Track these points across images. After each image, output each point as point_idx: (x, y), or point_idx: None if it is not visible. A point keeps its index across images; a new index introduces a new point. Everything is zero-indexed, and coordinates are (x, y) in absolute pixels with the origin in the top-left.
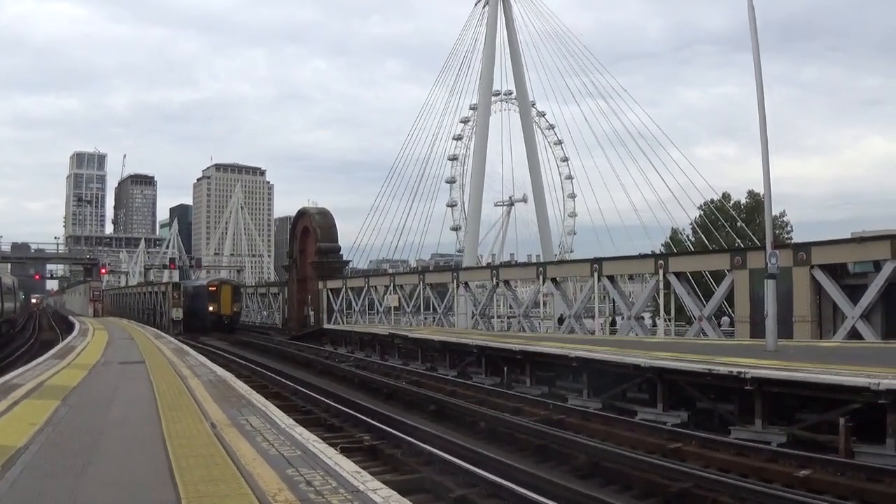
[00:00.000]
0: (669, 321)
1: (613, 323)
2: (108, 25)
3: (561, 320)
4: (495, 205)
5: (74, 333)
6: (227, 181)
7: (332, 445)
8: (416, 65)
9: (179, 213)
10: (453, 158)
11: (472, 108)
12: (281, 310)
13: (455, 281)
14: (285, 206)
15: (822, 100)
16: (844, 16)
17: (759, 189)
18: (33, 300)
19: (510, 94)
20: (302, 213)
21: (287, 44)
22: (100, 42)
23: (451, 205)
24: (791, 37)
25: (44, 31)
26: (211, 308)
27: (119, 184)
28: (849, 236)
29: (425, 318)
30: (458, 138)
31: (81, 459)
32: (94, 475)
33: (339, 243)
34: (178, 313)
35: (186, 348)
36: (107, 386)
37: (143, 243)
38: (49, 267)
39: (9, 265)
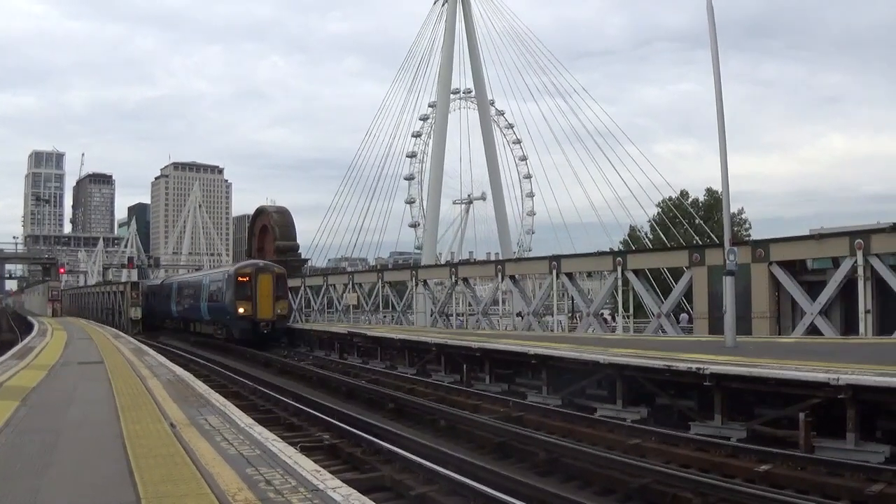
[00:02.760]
0: (628, 318)
1: (573, 319)
2: (64, 21)
3: (519, 318)
4: (454, 202)
5: (33, 334)
6: (185, 180)
7: (292, 444)
8: (375, 62)
9: (138, 211)
10: (412, 155)
11: (431, 105)
12: None
13: (414, 279)
14: (244, 204)
15: (782, 97)
16: (805, 14)
17: (718, 186)
18: None
19: (469, 92)
20: (260, 212)
21: (245, 40)
22: (56, 39)
23: (410, 201)
24: (752, 35)
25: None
26: (241, 310)
27: (77, 183)
28: (808, 233)
29: (384, 317)
30: (417, 135)
31: (41, 461)
32: (54, 476)
33: (298, 241)
34: (136, 313)
35: (145, 348)
36: (66, 386)
37: (101, 242)
38: (8, 267)
39: None
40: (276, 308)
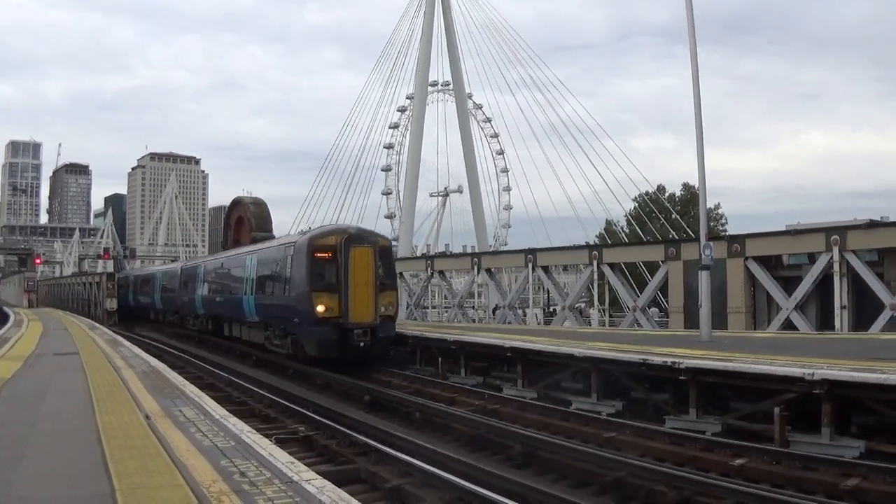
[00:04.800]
0: (604, 312)
1: (547, 313)
2: (42, 11)
3: (496, 311)
4: (430, 195)
5: (9, 325)
6: (161, 170)
7: (267, 436)
8: (353, 53)
9: (114, 202)
10: (389, 147)
11: (409, 97)
12: None
13: None
14: (220, 195)
15: (761, 93)
16: (785, 11)
17: (695, 181)
18: None
19: (447, 85)
20: (236, 203)
21: (223, 31)
22: (34, 28)
23: (387, 193)
24: (732, 30)
25: None
26: (320, 307)
27: (54, 173)
28: (784, 229)
29: None
30: (395, 127)
31: (15, 452)
32: (28, 468)
33: (274, 233)
34: (112, 304)
35: (120, 339)
36: (41, 377)
37: (77, 233)
38: None
39: None
40: (380, 304)
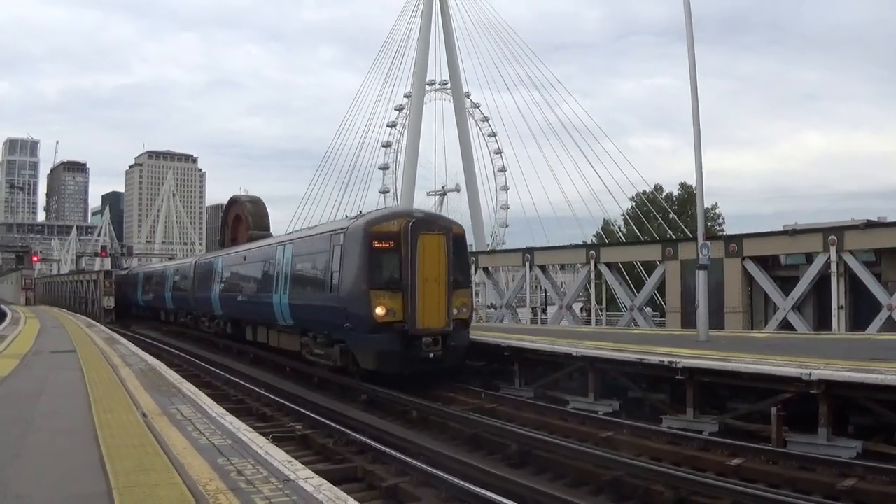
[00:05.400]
0: (601, 311)
1: (545, 312)
2: (40, 8)
3: (493, 309)
4: (428, 194)
5: (6, 322)
6: (159, 168)
7: (264, 434)
8: (350, 51)
9: (111, 200)
10: (387, 145)
11: (407, 96)
12: None
13: None
14: (218, 193)
15: (759, 93)
16: (783, 10)
17: (692, 181)
18: None
19: (445, 83)
20: (234, 201)
21: (220, 28)
22: (31, 25)
23: (384, 191)
24: (729, 30)
25: None
26: (380, 310)
27: (51, 170)
28: (781, 229)
29: None
30: (392, 125)
31: (11, 450)
32: (25, 466)
33: (272, 231)
34: (109, 302)
35: (118, 337)
36: (38, 375)
37: (74, 231)
38: None
39: None
40: (453, 306)
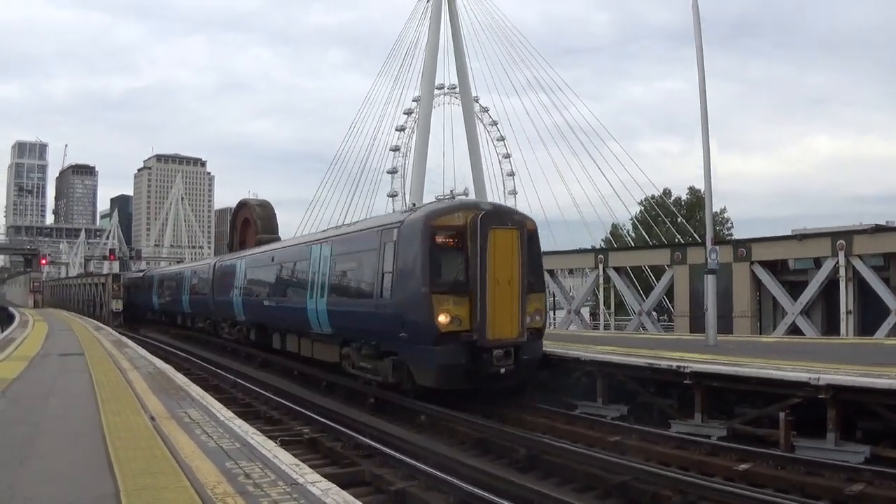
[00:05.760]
0: (610, 315)
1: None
2: (48, 10)
3: None
4: (437, 198)
5: (14, 325)
6: (167, 172)
7: (272, 438)
8: (358, 55)
9: (120, 203)
10: (395, 149)
11: (416, 100)
12: None
13: None
14: (226, 197)
15: (767, 97)
16: (791, 14)
17: (701, 185)
18: None
19: (454, 88)
20: (242, 205)
21: (228, 31)
22: (40, 27)
23: (392, 195)
24: (738, 34)
25: None
26: (443, 317)
27: (60, 173)
28: (790, 234)
29: None
30: (401, 129)
31: (20, 452)
32: (33, 468)
33: (280, 235)
34: (118, 305)
35: (126, 340)
36: (46, 378)
37: (83, 234)
38: None
39: None
40: (527, 313)
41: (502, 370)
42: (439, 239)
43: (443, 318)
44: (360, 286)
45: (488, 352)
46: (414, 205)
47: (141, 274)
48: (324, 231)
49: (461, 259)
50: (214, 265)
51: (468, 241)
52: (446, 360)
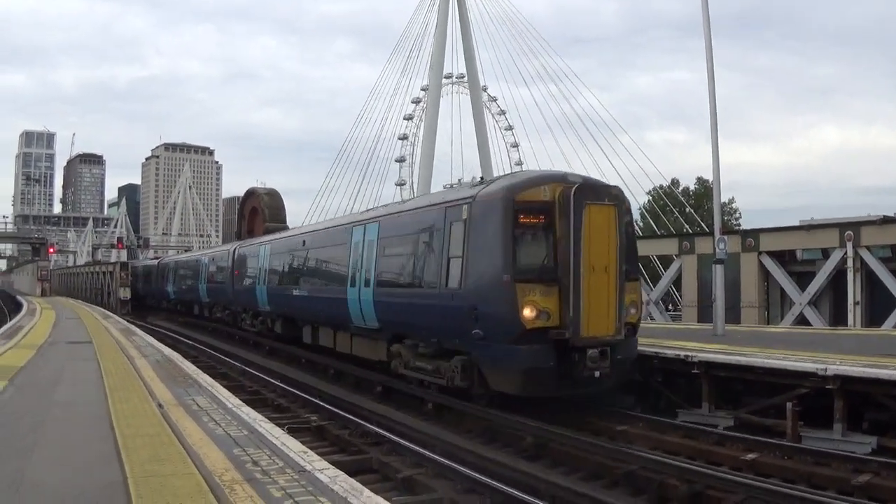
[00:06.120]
0: None
1: None
2: (56, 0)
3: None
4: (444, 187)
5: (22, 313)
6: (175, 161)
7: (280, 426)
8: (366, 44)
9: (128, 192)
10: (403, 138)
11: (424, 89)
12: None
13: None
14: (234, 185)
15: (775, 87)
16: (799, 4)
17: (709, 175)
18: None
19: (462, 77)
20: (250, 194)
21: (236, 20)
22: (47, 17)
23: (400, 184)
24: (746, 24)
25: None
26: (528, 311)
27: (68, 163)
28: (798, 224)
29: None
30: (409, 118)
31: (28, 440)
32: (41, 455)
33: (288, 224)
34: (125, 293)
35: (134, 328)
36: (54, 366)
37: (90, 223)
38: None
39: None
40: (623, 306)
41: (597, 373)
42: (523, 217)
43: (528, 312)
44: (418, 273)
45: (581, 352)
46: (482, 179)
47: (155, 261)
48: (367, 211)
49: (548, 241)
50: (234, 251)
51: (558, 219)
52: (532, 362)
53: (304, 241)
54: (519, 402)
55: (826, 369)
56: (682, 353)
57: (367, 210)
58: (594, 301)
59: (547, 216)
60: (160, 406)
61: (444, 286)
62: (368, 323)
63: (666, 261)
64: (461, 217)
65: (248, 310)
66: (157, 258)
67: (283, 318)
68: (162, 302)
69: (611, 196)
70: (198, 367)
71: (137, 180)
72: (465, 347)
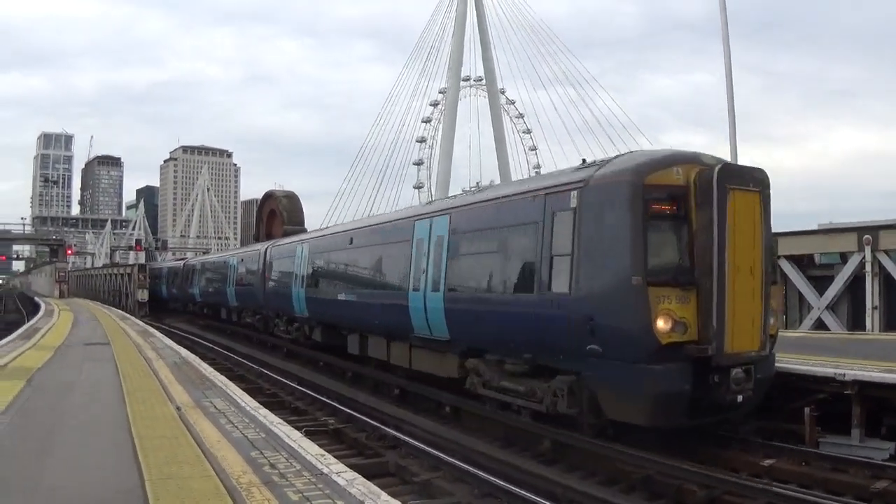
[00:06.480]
0: None
1: None
2: (74, 3)
3: None
4: (462, 190)
5: (40, 314)
6: (193, 163)
7: (297, 428)
8: (385, 47)
9: (146, 194)
10: (421, 141)
11: (442, 91)
12: None
13: None
14: (252, 188)
15: (794, 90)
16: (818, 6)
17: None
18: None
19: (480, 80)
20: (268, 196)
21: (254, 23)
22: (66, 20)
23: (419, 186)
24: (765, 26)
25: (9, 10)
26: (662, 323)
27: (86, 165)
28: (816, 228)
29: None
30: (427, 121)
31: (46, 441)
32: (58, 457)
33: (306, 226)
34: (143, 295)
35: (152, 330)
36: (72, 367)
37: (109, 224)
38: (15, 248)
39: None
40: (769, 315)
41: (740, 397)
42: (655, 204)
43: (662, 324)
44: (506, 275)
45: (723, 372)
46: (594, 161)
47: (181, 262)
48: (431, 203)
49: (681, 235)
50: (266, 251)
51: (693, 207)
52: (665, 385)
53: (351, 239)
54: (624, 431)
55: (845, 374)
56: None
57: (433, 201)
58: (739, 309)
59: (681, 204)
60: (178, 408)
61: (546, 291)
62: (436, 334)
63: None
64: (568, 205)
65: (282, 315)
66: (182, 259)
67: (323, 325)
68: (187, 305)
69: (755, 180)
70: (215, 368)
71: (156, 182)
72: (572, 366)
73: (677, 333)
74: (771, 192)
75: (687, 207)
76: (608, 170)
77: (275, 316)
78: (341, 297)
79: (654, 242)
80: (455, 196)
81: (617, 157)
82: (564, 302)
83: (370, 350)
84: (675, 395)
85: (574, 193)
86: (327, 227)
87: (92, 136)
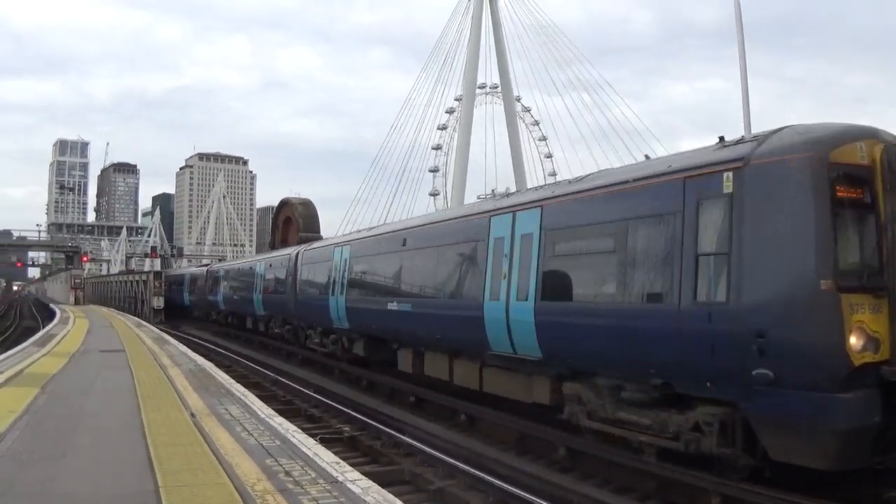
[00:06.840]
0: None
1: None
2: (89, 10)
3: None
4: (478, 197)
5: (55, 321)
6: (209, 170)
7: (312, 436)
8: (400, 54)
9: (162, 201)
10: (437, 148)
11: (458, 99)
12: None
13: None
14: (268, 195)
15: (810, 95)
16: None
17: None
18: (14, 287)
19: (496, 87)
20: (284, 203)
21: (269, 30)
22: (81, 26)
23: (434, 194)
24: (780, 32)
25: (24, 16)
26: (855, 340)
27: (102, 172)
28: None
29: None
30: (443, 128)
31: (60, 447)
32: (72, 463)
33: (322, 233)
34: (159, 302)
35: (167, 337)
36: (87, 374)
37: (124, 231)
38: (31, 254)
39: None
40: None
41: None
42: (841, 189)
43: (856, 340)
44: (627, 281)
45: None
46: (741, 138)
47: (203, 269)
48: (510, 195)
49: (869, 227)
50: (297, 256)
51: (879, 193)
52: (857, 419)
53: (404, 240)
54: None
55: None
56: None
57: (513, 193)
58: None
59: (867, 189)
60: (193, 415)
61: (690, 300)
62: (522, 351)
63: None
64: (720, 191)
65: (316, 326)
66: (205, 265)
67: (367, 337)
68: (210, 313)
69: None
70: (230, 376)
71: (171, 189)
72: (724, 394)
73: (870, 353)
74: None
75: (874, 193)
76: (775, 144)
77: (308, 327)
78: (392, 306)
79: (843, 237)
80: (544, 186)
81: (774, 131)
82: (719, 314)
83: (427, 368)
84: (865, 430)
85: (728, 175)
86: (371, 228)
87: (108, 143)
